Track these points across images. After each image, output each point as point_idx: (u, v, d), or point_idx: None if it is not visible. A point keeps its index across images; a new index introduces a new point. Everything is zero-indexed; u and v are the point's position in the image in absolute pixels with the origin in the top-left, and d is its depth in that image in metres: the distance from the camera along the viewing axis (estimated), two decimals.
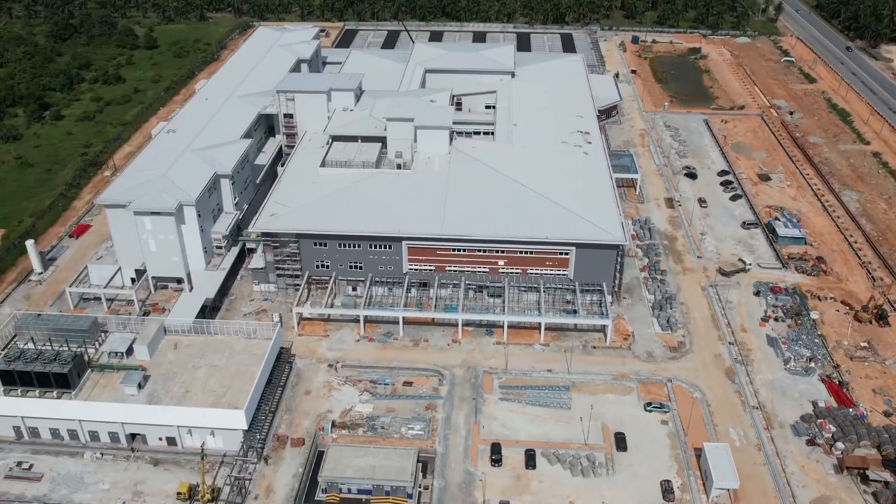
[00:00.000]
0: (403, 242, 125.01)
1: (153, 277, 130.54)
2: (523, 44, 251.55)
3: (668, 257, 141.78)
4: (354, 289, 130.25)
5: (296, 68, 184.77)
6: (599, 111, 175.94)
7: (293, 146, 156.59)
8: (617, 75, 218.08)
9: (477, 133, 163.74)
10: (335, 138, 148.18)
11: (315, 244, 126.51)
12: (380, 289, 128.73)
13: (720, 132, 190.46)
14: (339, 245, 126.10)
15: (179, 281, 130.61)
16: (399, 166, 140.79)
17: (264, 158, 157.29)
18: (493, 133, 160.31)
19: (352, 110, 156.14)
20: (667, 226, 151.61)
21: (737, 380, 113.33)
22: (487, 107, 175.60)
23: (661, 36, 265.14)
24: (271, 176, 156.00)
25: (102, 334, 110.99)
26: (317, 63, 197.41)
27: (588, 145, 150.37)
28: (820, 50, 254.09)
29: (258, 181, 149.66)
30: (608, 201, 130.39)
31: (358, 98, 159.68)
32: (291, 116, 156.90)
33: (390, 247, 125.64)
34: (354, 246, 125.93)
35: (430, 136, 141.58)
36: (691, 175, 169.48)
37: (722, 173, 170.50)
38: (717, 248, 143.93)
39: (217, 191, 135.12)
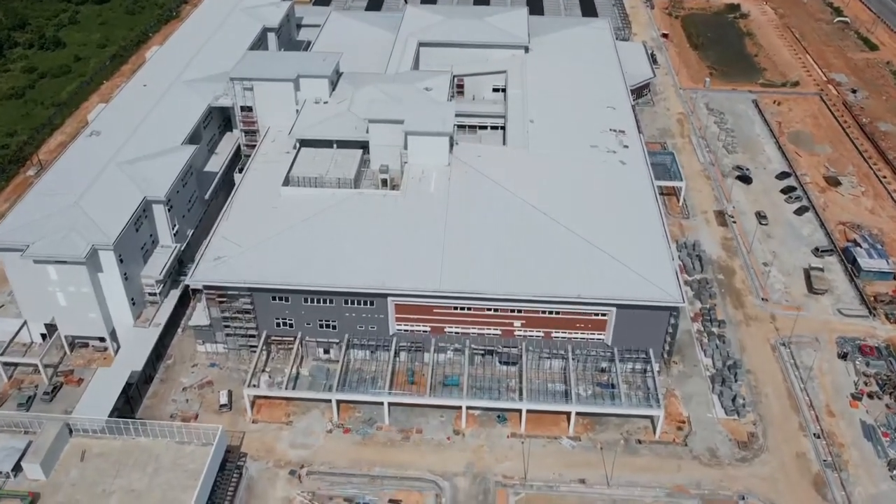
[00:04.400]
0: (389, 299, 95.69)
1: (68, 336, 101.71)
2: (535, 5, 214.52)
3: (724, 299, 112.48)
4: (327, 351, 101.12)
5: (260, 39, 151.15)
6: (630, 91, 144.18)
7: (253, 145, 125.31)
8: (651, 54, 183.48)
9: (483, 127, 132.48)
10: (304, 143, 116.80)
11: (274, 298, 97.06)
12: (360, 352, 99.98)
13: (773, 117, 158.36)
14: (306, 300, 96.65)
15: (102, 339, 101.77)
16: (385, 182, 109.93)
17: (218, 162, 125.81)
18: (503, 128, 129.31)
19: (325, 102, 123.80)
20: (720, 252, 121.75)
21: (829, 495, 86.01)
22: (496, 90, 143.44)
23: None
24: (227, 183, 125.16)
25: None
26: (287, 31, 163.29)
27: (624, 150, 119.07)
28: (878, 7, 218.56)
29: (207, 195, 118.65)
30: (656, 240, 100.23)
31: (334, 85, 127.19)
32: (250, 109, 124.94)
33: (372, 303, 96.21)
34: (325, 301, 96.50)
35: (424, 144, 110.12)
36: (745, 178, 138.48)
37: (782, 176, 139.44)
38: (785, 287, 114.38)
39: (149, 219, 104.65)
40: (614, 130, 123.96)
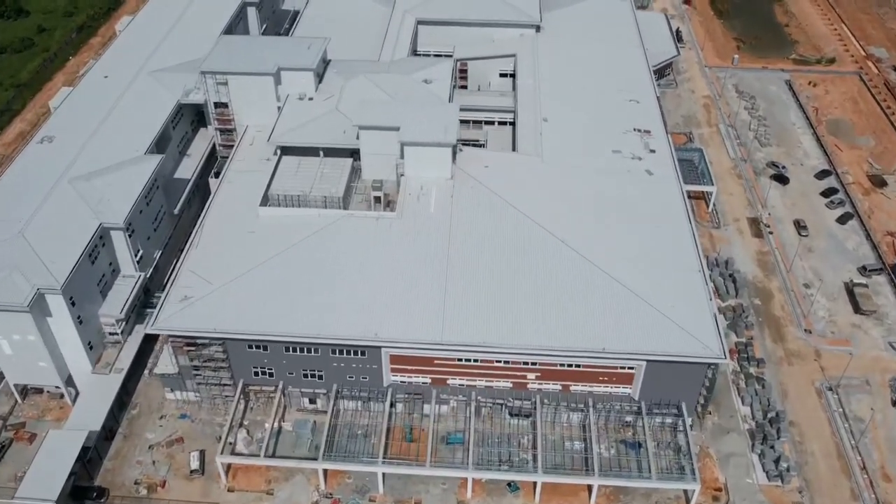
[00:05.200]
0: (383, 349, 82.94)
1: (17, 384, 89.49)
2: None
3: (762, 330, 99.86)
4: (313, 401, 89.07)
5: (239, 16, 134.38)
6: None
7: (230, 146, 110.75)
8: (676, 31, 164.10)
9: (490, 122, 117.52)
10: (284, 150, 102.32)
11: (251, 346, 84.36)
12: (350, 403, 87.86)
13: (809, 102, 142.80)
14: (287, 349, 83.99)
15: (58, 385, 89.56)
16: (378, 200, 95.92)
17: (190, 167, 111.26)
18: (512, 123, 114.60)
19: (310, 98, 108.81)
20: (755, 270, 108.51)
21: None
22: (503, 75, 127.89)
23: None
24: (202, 189, 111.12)
25: None
26: (270, 6, 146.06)
27: (651, 155, 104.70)
28: None
29: (177, 209, 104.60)
30: (692, 277, 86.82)
31: (320, 77, 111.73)
32: (226, 106, 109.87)
33: (364, 353, 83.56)
34: (310, 350, 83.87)
35: (423, 155, 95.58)
36: (780, 178, 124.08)
37: (821, 175, 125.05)
38: (829, 314, 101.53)
39: (108, 247, 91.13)
40: (639, 130, 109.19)
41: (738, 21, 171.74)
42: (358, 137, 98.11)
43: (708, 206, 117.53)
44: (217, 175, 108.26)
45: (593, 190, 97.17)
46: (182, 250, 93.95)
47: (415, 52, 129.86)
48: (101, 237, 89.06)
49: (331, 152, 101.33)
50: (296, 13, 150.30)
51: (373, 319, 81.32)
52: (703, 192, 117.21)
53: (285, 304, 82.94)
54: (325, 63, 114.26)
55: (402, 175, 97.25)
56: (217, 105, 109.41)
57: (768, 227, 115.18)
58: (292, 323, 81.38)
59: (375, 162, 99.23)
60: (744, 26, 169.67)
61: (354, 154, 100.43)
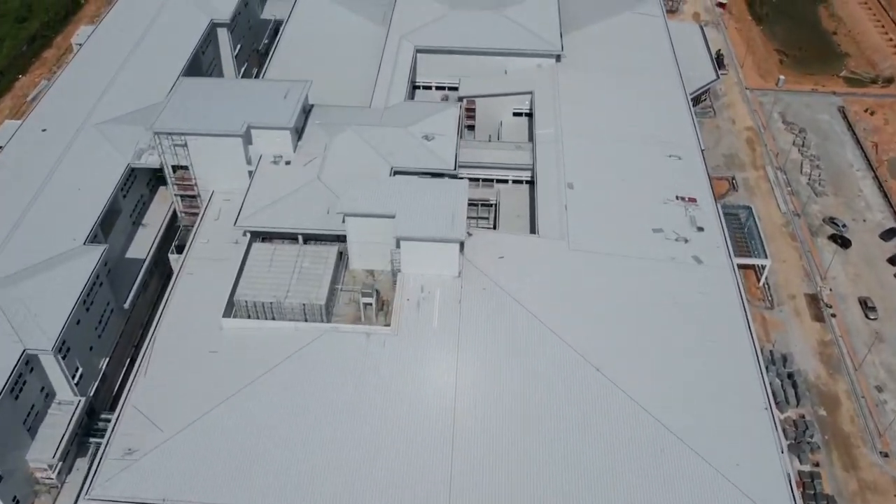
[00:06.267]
0: None
1: None
2: None
3: (830, 452, 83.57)
4: None
5: (207, 41, 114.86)
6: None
7: (193, 213, 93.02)
8: (717, 54, 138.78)
9: (503, 181, 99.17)
10: (255, 235, 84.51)
11: None
12: None
13: (867, 135, 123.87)
14: None
15: None
16: (369, 306, 78.52)
17: (145, 241, 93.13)
18: (529, 182, 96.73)
19: (287, 163, 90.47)
20: (818, 367, 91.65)
21: None
22: (517, 114, 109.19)
23: None
24: (162, 265, 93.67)
25: None
26: (245, 20, 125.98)
27: (699, 235, 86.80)
28: None
29: (128, 302, 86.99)
30: (757, 415, 69.77)
31: (300, 132, 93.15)
32: (186, 168, 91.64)
33: None
34: None
35: (425, 252, 77.87)
36: (841, 239, 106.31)
37: (888, 235, 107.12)
38: None
39: (36, 371, 74.06)
40: (682, 199, 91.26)
41: (780, 27, 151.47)
42: (343, 221, 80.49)
43: (759, 280, 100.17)
44: (179, 250, 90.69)
45: (632, 289, 79.58)
46: (136, 347, 77.40)
47: (413, 85, 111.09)
48: (28, 362, 72.18)
49: (311, 238, 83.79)
50: (277, 24, 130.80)
51: (356, 493, 64.80)
52: (755, 266, 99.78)
53: (251, 462, 66.30)
54: (307, 111, 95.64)
55: (398, 270, 79.79)
56: (176, 168, 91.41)
57: (830, 306, 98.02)
58: (258, 493, 64.89)
59: (366, 251, 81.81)
60: (786, 34, 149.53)
61: (341, 237, 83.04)
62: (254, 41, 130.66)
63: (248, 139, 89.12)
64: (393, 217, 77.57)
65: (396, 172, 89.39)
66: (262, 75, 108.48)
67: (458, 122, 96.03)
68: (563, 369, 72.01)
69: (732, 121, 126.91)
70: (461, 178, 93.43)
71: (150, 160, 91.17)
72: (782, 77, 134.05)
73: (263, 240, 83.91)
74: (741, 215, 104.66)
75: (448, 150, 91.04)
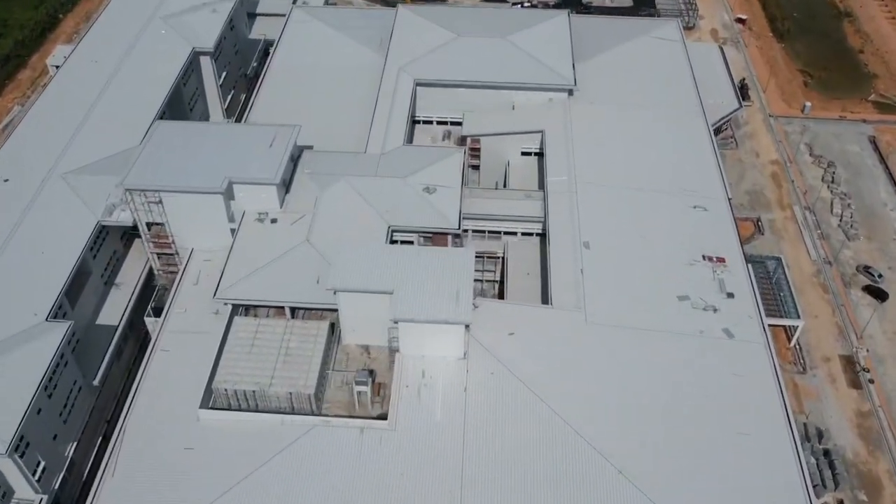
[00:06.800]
0: None
1: None
2: None
3: None
4: None
5: (189, 71, 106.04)
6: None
7: (171, 271, 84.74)
8: (741, 82, 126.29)
9: (511, 234, 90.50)
10: (237, 308, 76.03)
11: None
12: None
13: None
14: None
15: None
16: (364, 394, 70.16)
17: (120, 302, 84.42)
18: (540, 234, 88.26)
19: (274, 221, 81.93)
20: (857, 443, 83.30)
21: None
22: (525, 153, 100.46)
23: None
24: (136, 329, 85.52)
25: None
26: (231, 44, 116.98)
27: (729, 303, 77.74)
28: None
29: (97, 379, 77.98)
30: None
31: (287, 185, 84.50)
32: (161, 225, 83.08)
33: None
34: None
35: (426, 333, 69.53)
36: (876, 291, 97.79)
37: None
38: None
39: None
40: (709, 259, 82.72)
41: (802, 44, 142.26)
42: (335, 293, 72.09)
43: (790, 341, 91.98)
44: (156, 312, 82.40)
45: (657, 372, 71.17)
46: (110, 423, 69.74)
47: (413, 120, 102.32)
48: None
49: (299, 311, 75.53)
50: (267, 45, 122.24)
51: None
52: (787, 327, 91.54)
53: None
54: (295, 159, 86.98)
55: (396, 351, 71.52)
56: (150, 225, 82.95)
57: (867, 371, 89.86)
58: None
59: (361, 325, 73.51)
60: (810, 52, 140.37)
61: (333, 308, 74.63)
62: (241, 65, 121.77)
63: (229, 195, 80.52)
64: (390, 293, 69.30)
65: (394, 231, 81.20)
66: (247, 111, 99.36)
67: (461, 170, 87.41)
68: (582, 471, 63.80)
69: (756, 153, 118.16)
70: (466, 234, 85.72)
71: (123, 217, 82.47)
72: (808, 103, 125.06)
73: (247, 311, 75.75)
74: (769, 265, 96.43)
75: (451, 205, 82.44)
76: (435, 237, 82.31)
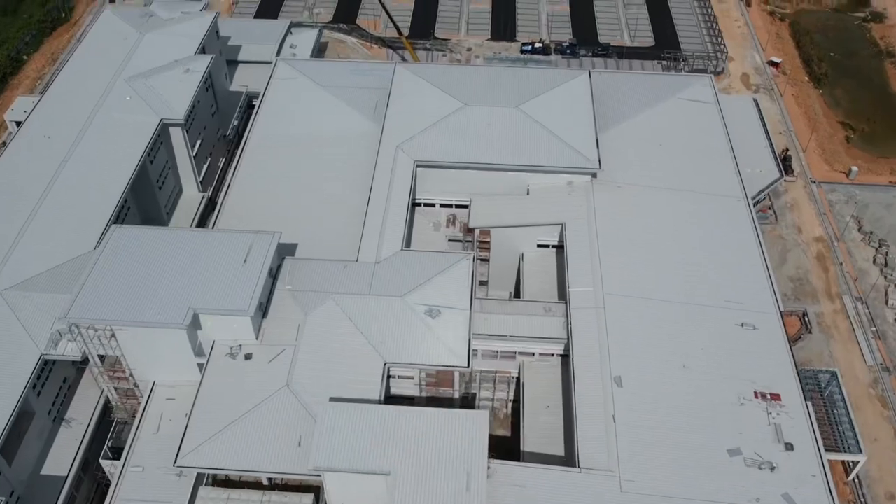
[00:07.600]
0: None
1: None
2: (585, 4, 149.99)
3: None
4: None
5: (156, 146, 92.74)
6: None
7: (131, 403, 72.27)
8: (784, 153, 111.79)
9: (528, 354, 77.72)
10: (202, 475, 63.64)
11: None
12: None
13: None
14: None
15: None
16: None
17: (70, 445, 71.46)
18: (563, 356, 75.54)
19: (248, 356, 69.19)
20: None
21: None
22: (541, 246, 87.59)
23: None
24: (90, 473, 73.11)
25: None
26: (207, 106, 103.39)
27: (787, 457, 65.15)
28: None
29: None
30: None
31: (265, 310, 71.73)
32: (116, 359, 70.41)
33: None
34: None
35: None
36: None
37: None
38: None
39: None
40: (762, 396, 70.25)
41: (842, 91, 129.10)
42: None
43: (848, 474, 79.63)
44: (115, 453, 70.05)
45: None
46: None
47: (413, 203, 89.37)
48: None
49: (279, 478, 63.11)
50: (250, 98, 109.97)
51: None
52: (846, 462, 79.21)
53: None
54: (274, 273, 74.19)
55: None
56: (104, 357, 70.32)
57: None
58: None
59: (351, 501, 61.11)
60: (850, 101, 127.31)
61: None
62: (220, 126, 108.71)
63: (195, 326, 67.87)
64: (387, 475, 56.90)
65: (391, 367, 68.66)
66: (219, 204, 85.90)
67: (471, 284, 74.67)
68: None
69: (798, 228, 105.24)
70: (475, 354, 73.29)
71: (70, 349, 69.92)
72: (855, 168, 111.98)
73: (215, 480, 63.38)
74: (822, 379, 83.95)
75: (458, 335, 69.71)
76: (440, 375, 69.88)
